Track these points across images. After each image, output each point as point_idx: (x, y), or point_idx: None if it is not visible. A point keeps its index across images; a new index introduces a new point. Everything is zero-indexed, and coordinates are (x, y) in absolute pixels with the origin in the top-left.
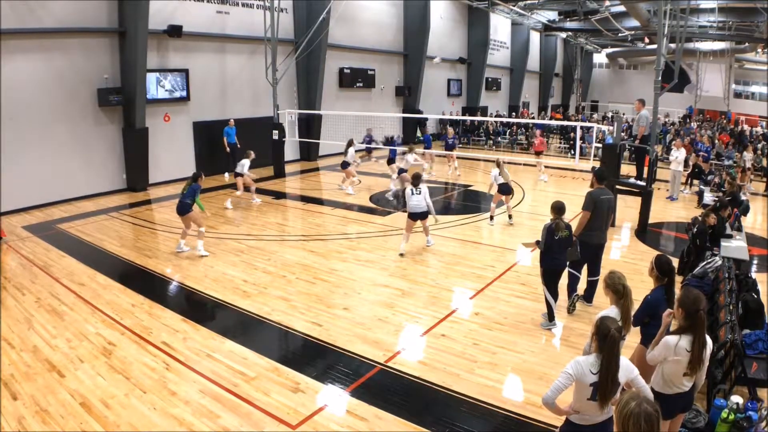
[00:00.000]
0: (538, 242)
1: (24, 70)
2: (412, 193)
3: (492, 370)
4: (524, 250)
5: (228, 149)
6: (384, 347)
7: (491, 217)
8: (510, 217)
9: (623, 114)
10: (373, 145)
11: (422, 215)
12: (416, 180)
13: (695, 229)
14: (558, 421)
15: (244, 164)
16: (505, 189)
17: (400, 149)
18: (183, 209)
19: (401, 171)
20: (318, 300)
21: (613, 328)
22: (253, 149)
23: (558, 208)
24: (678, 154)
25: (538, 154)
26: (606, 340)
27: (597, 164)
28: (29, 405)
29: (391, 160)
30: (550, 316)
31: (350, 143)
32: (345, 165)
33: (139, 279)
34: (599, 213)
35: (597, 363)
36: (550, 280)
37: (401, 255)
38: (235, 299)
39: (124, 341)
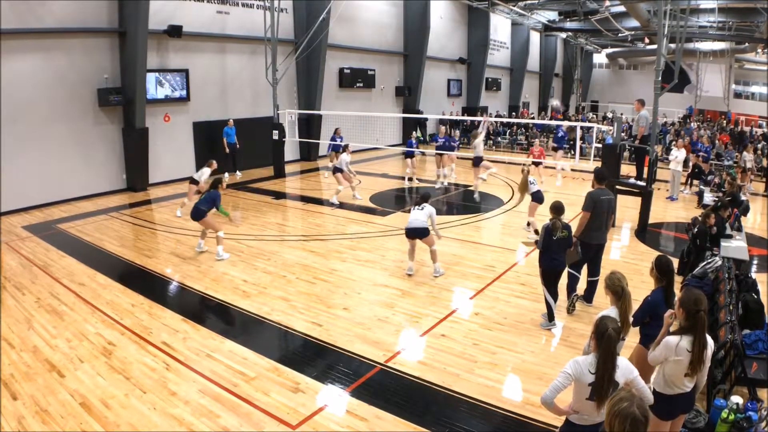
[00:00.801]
0: (537, 242)
1: (24, 70)
2: (414, 209)
3: (492, 370)
4: (525, 249)
5: (228, 150)
6: (384, 347)
7: (536, 231)
8: (529, 224)
9: (621, 114)
10: (341, 145)
11: (417, 233)
12: (422, 198)
13: (695, 230)
14: (558, 421)
15: (204, 173)
16: (539, 197)
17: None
18: (196, 214)
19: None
20: (318, 300)
21: (611, 327)
22: (253, 149)
23: (556, 208)
24: (678, 155)
25: (536, 164)
26: (603, 338)
27: (597, 164)
28: (29, 405)
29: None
30: (550, 316)
31: (345, 148)
32: (337, 170)
33: (139, 279)
34: (599, 213)
35: (595, 363)
36: (549, 281)
37: (408, 275)
38: (235, 299)
39: (124, 341)
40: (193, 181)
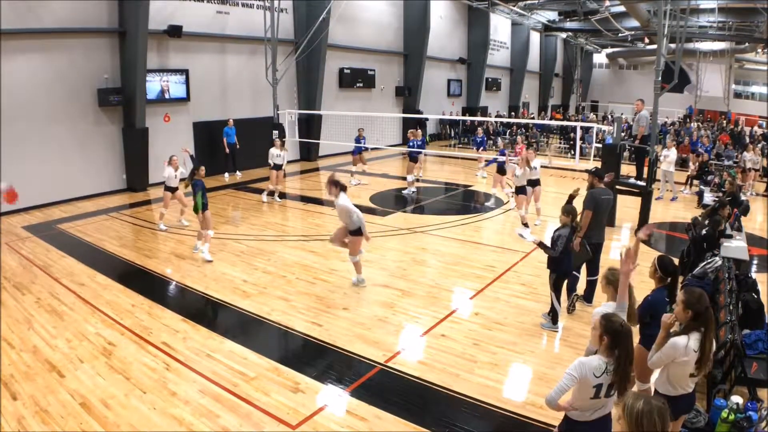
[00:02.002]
0: (542, 244)
1: (24, 70)
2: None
3: (492, 370)
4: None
5: (227, 150)
6: (384, 347)
7: (525, 224)
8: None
9: (622, 114)
10: (364, 146)
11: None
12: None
13: (703, 233)
14: (557, 420)
15: (167, 171)
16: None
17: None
18: (194, 208)
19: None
20: (318, 300)
21: (621, 322)
22: (253, 149)
23: (571, 212)
24: (669, 154)
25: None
26: (620, 336)
27: (597, 164)
28: (29, 405)
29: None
30: (554, 320)
31: (274, 143)
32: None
33: (139, 279)
34: (599, 212)
35: (602, 366)
36: (560, 286)
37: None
38: (235, 299)
39: (124, 341)
40: (168, 188)
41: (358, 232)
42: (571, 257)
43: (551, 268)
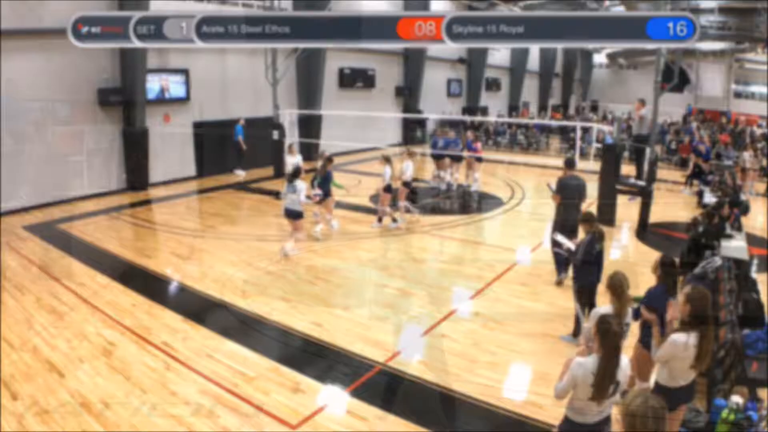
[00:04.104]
0: (570, 251)
1: (24, 70)
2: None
3: (492, 370)
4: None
5: (244, 147)
6: (384, 347)
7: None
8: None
9: (624, 114)
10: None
11: (293, 214)
12: (293, 176)
13: (700, 230)
14: (557, 420)
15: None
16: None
17: None
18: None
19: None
20: (318, 300)
21: (614, 324)
22: (254, 149)
23: (588, 219)
24: None
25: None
26: (606, 337)
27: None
28: (29, 405)
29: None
30: (576, 332)
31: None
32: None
33: (139, 279)
34: (568, 196)
35: (597, 362)
36: (584, 299)
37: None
38: (235, 299)
39: (124, 341)
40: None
41: None
42: (592, 270)
43: (573, 278)
